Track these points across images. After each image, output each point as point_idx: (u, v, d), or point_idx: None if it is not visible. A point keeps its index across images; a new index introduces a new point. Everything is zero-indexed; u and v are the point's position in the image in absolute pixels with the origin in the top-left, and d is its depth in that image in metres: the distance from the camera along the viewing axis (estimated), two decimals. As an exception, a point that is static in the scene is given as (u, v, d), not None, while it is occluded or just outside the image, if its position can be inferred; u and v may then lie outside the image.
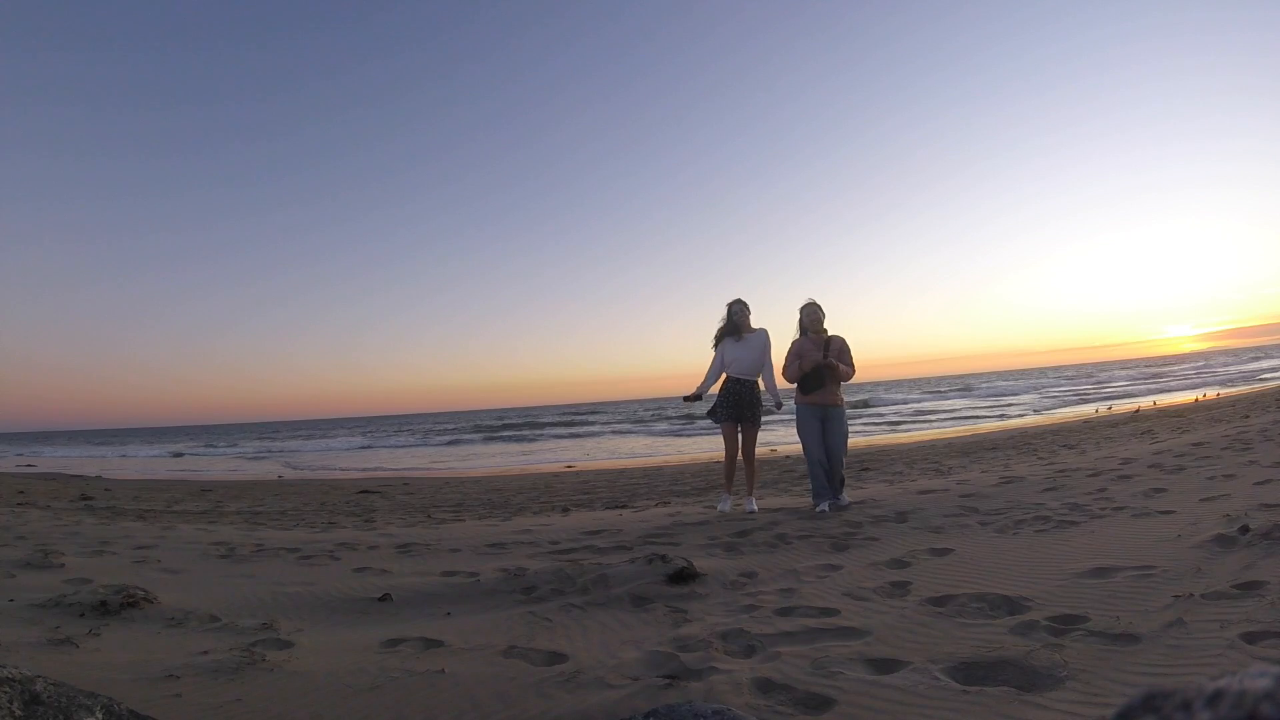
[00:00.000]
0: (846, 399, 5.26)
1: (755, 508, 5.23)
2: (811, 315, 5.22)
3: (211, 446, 38.27)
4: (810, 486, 5.09)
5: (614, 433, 28.04)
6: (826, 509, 4.76)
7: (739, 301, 5.57)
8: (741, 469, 5.48)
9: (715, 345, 5.58)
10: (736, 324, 5.47)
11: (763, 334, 5.47)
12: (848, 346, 5.15)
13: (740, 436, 5.38)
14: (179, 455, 30.88)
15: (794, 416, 5.25)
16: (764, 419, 5.47)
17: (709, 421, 5.69)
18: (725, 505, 5.31)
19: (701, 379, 5.65)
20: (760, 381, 5.46)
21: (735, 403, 5.34)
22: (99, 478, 16.33)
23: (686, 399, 5.57)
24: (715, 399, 5.48)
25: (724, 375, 5.49)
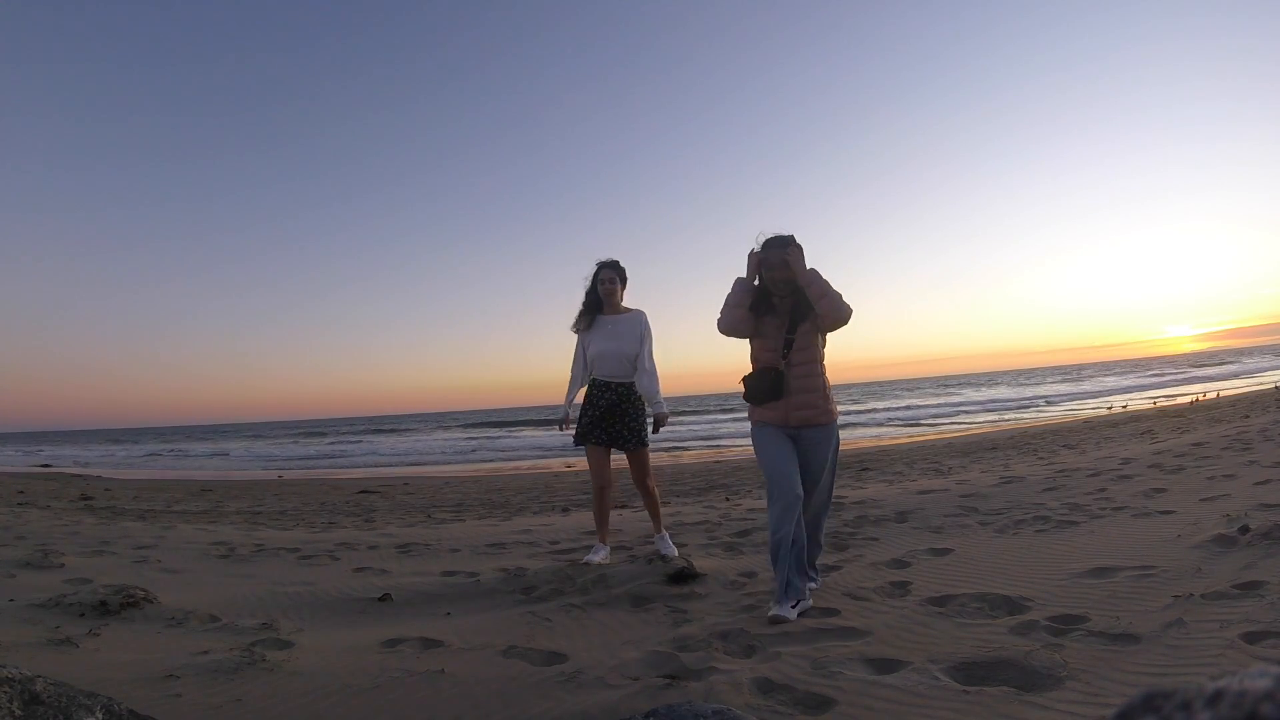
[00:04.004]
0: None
1: (673, 549, 3.75)
2: (775, 260, 2.85)
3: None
4: (770, 559, 2.73)
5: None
6: (785, 614, 2.54)
7: (610, 265, 3.93)
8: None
9: (576, 328, 3.97)
10: (599, 298, 3.90)
11: (637, 317, 3.89)
12: (825, 281, 2.77)
13: (629, 463, 3.82)
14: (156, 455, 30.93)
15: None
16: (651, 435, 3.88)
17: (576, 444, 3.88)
18: (599, 555, 3.71)
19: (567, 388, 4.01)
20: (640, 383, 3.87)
21: (603, 416, 3.78)
22: (99, 478, 16.33)
23: (560, 426, 3.95)
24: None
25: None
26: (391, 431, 41.84)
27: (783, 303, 2.90)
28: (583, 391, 3.96)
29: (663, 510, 4.27)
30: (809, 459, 2.84)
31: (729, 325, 2.91)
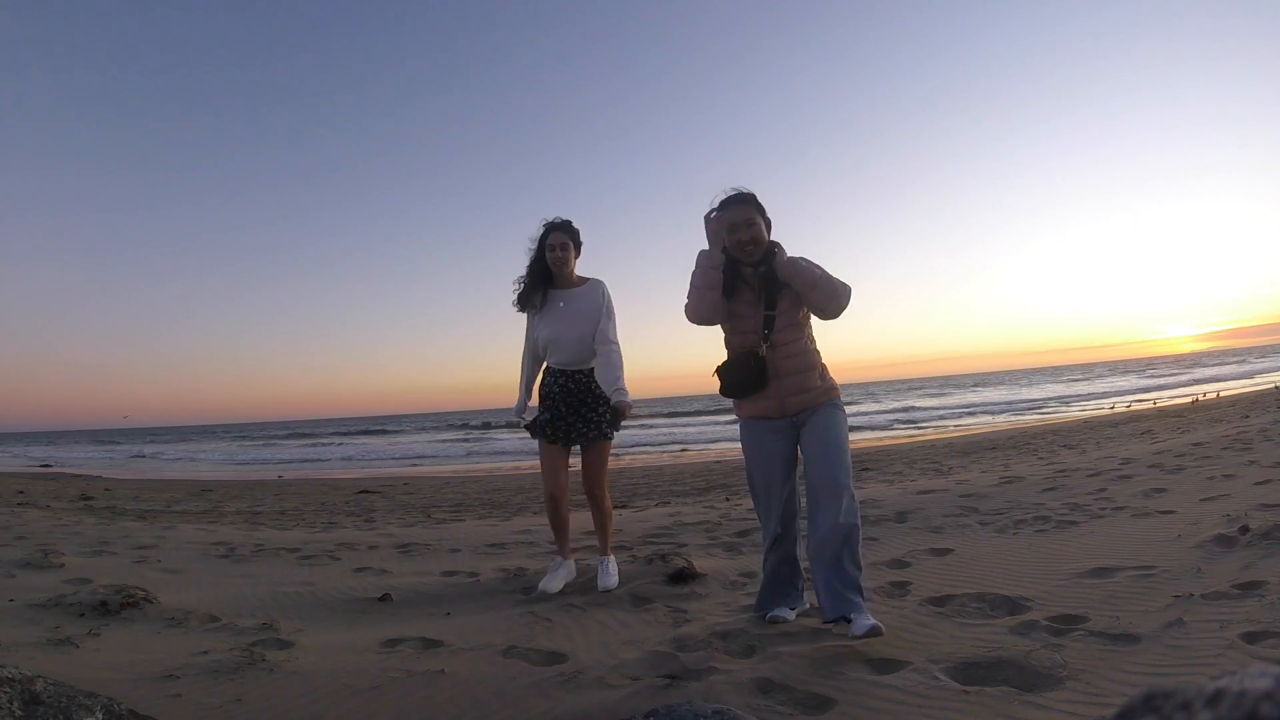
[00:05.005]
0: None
1: (614, 579, 3.15)
2: (739, 219, 2.41)
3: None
4: (761, 562, 2.64)
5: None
6: (783, 615, 2.48)
7: (561, 227, 3.23)
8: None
9: (522, 308, 3.32)
10: (548, 269, 3.22)
11: (595, 289, 3.24)
12: (811, 266, 2.43)
13: (583, 460, 3.25)
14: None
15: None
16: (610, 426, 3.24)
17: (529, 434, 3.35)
18: (560, 573, 3.23)
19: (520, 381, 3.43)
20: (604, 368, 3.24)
21: (559, 410, 3.20)
22: (99, 478, 16.34)
23: (524, 425, 3.36)
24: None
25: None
26: (382, 432, 41.65)
27: (754, 273, 2.45)
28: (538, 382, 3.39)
29: (662, 509, 4.24)
30: (811, 440, 2.41)
31: (701, 313, 2.47)
